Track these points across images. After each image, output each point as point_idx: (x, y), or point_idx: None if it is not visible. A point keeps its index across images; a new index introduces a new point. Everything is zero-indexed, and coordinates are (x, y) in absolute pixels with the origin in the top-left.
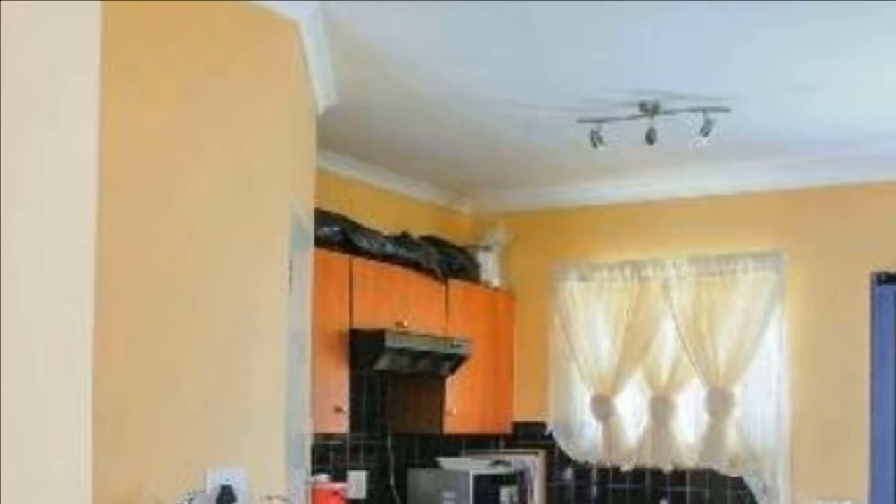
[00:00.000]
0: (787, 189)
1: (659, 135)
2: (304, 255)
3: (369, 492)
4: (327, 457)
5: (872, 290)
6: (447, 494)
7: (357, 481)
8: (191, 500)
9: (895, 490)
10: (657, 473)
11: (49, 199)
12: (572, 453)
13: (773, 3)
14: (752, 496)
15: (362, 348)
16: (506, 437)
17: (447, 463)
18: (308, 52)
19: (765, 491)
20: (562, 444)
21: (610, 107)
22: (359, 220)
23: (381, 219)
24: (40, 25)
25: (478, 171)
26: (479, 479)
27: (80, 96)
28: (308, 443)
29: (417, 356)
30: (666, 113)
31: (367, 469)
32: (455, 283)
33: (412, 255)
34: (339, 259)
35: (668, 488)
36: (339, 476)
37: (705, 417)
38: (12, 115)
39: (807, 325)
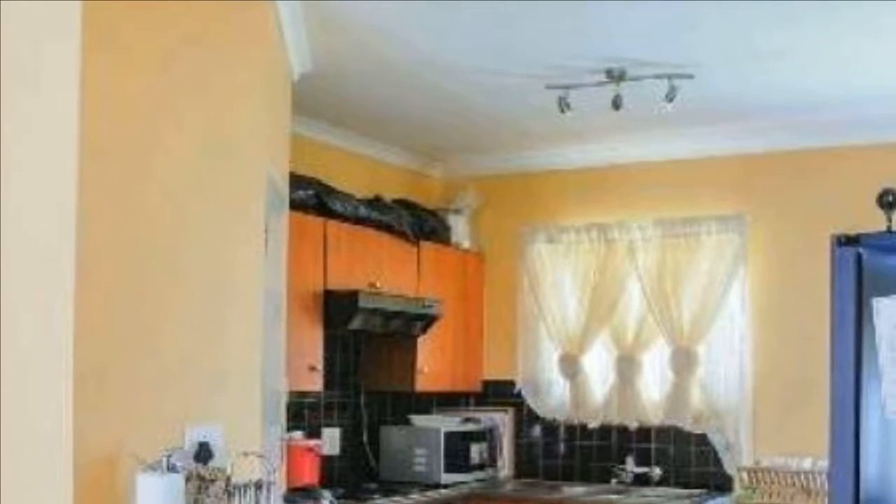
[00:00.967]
0: (750, 154)
1: (625, 101)
2: (280, 217)
3: (343, 448)
4: (302, 414)
5: (833, 252)
6: (419, 451)
7: (331, 438)
8: (169, 456)
9: (855, 446)
10: (623, 430)
11: (31, 163)
12: (540, 411)
13: None
14: (715, 452)
15: (336, 308)
16: (476, 395)
17: (419, 420)
18: (283, 20)
19: (727, 447)
20: (530, 401)
21: (577, 74)
22: (333, 183)
23: (354, 182)
24: None
25: (448, 136)
26: (450, 436)
27: (61, 64)
28: (283, 400)
29: (390, 316)
30: (631, 80)
31: (340, 426)
32: (426, 246)
33: (385, 218)
34: (314, 222)
35: (634, 445)
36: (314, 433)
37: (670, 376)
38: None
39: (769, 286)
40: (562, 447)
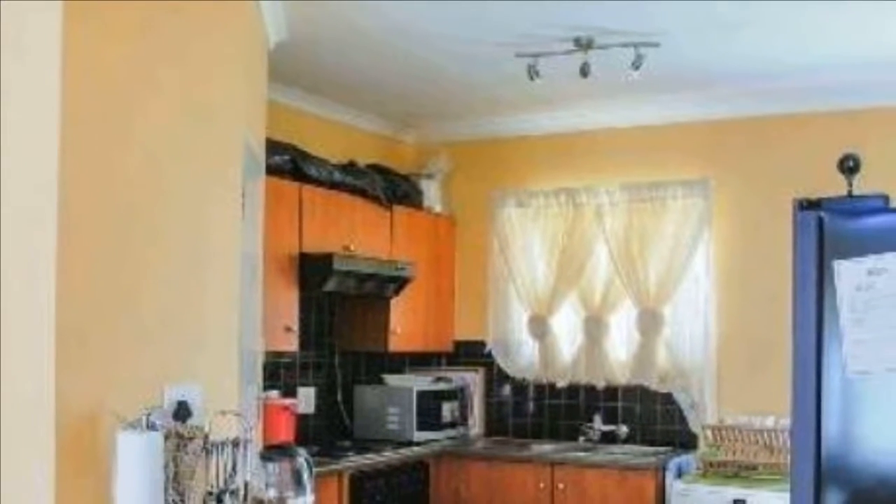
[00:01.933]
0: (715, 120)
1: (592, 68)
2: (256, 182)
3: (317, 407)
4: (278, 373)
5: (795, 215)
6: (391, 409)
7: (306, 397)
8: (149, 414)
9: (816, 404)
10: (591, 389)
11: (15, 128)
12: (510, 370)
13: None
14: (680, 411)
15: (311, 271)
16: (447, 354)
17: (391, 379)
18: None
19: (692, 406)
20: (500, 361)
21: (546, 42)
22: (308, 149)
23: (329, 148)
24: None
25: (421, 102)
26: (422, 395)
27: (43, 32)
28: (260, 360)
29: (363, 278)
30: (599, 48)
31: (315, 385)
32: (399, 209)
33: (358, 183)
34: (290, 186)
35: (601, 404)
36: (289, 392)
37: (636, 336)
38: None
39: (733, 248)
40: (531, 406)
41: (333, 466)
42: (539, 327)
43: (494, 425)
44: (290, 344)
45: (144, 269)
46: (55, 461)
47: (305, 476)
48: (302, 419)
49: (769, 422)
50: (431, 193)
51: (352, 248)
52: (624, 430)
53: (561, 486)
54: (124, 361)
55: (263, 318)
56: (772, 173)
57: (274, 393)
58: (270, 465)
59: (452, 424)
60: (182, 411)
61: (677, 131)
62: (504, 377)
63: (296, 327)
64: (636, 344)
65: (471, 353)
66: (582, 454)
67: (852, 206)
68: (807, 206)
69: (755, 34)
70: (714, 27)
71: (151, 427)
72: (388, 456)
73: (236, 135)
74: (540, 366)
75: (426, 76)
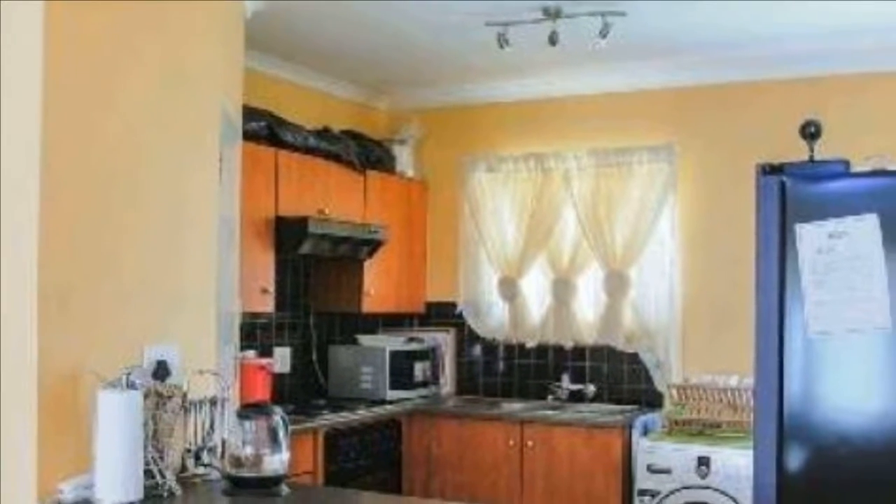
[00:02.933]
0: (680, 87)
1: (561, 37)
2: (233, 148)
3: (293, 366)
4: (254, 334)
5: (758, 180)
6: (365, 369)
7: (282, 357)
8: (129, 374)
9: (778, 364)
10: (559, 349)
11: None
12: (481, 331)
13: None
14: (646, 370)
15: (287, 234)
16: (419, 315)
17: (365, 340)
18: None
19: (658, 365)
20: (471, 322)
21: (515, 11)
22: (284, 115)
23: (304, 114)
24: None
25: (394, 70)
26: (395, 355)
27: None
28: (237, 321)
29: (338, 241)
30: (567, 17)
31: (291, 345)
32: (372, 174)
33: (333, 148)
34: (266, 151)
35: (569, 363)
36: (266, 352)
37: (603, 298)
38: None
39: (697, 212)
40: (501, 365)
41: (308, 424)
42: (509, 289)
43: (465, 384)
44: (267, 305)
45: (124, 233)
46: (37, 419)
47: (281, 434)
48: (278, 378)
49: (733, 381)
50: (404, 159)
51: (326, 211)
52: (591, 389)
53: (530, 443)
54: (105, 322)
55: (240, 279)
56: (735, 139)
57: (250, 353)
58: (247, 423)
59: (424, 383)
60: (161, 371)
61: (643, 98)
62: (475, 337)
63: (272, 289)
64: (603, 305)
65: (442, 314)
66: (550, 412)
67: (814, 171)
68: (769, 171)
69: (719, 3)
70: None
71: (131, 386)
72: (362, 414)
73: (214, 101)
74: (509, 326)
75: (399, 44)
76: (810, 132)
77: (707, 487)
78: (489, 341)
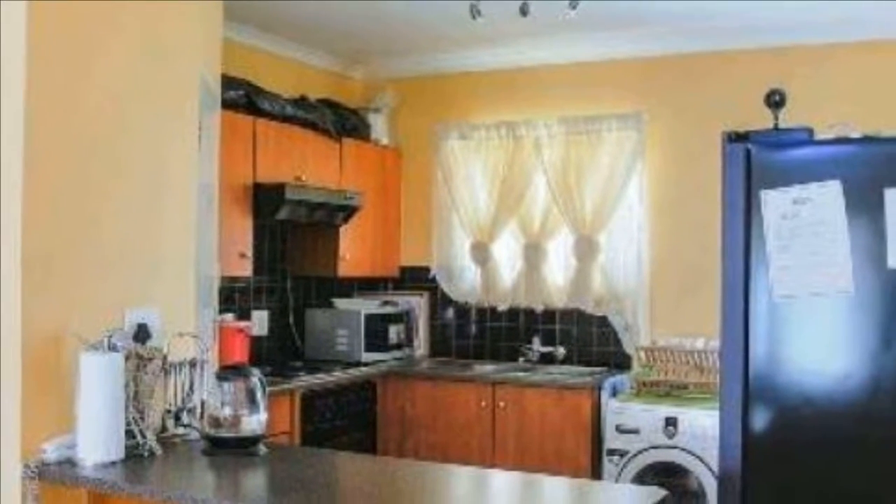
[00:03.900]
0: (648, 57)
1: (532, 8)
2: (212, 116)
3: (270, 329)
4: (233, 298)
5: (724, 147)
6: (341, 332)
7: (260, 320)
8: (110, 336)
9: (744, 327)
10: (530, 313)
11: None
12: (453, 295)
13: None
14: (615, 333)
15: (264, 200)
16: (393, 279)
17: (341, 303)
18: None
19: (626, 328)
20: (444, 286)
21: None
22: (261, 84)
23: (281, 83)
24: None
25: (369, 40)
26: (370, 318)
27: None
28: (216, 285)
29: (314, 207)
30: None
31: (268, 309)
32: (348, 142)
33: (309, 117)
34: (244, 120)
35: (540, 326)
36: (244, 315)
37: (573, 262)
38: None
39: (665, 179)
40: (473, 328)
41: (285, 386)
42: (481, 253)
43: (438, 347)
44: (245, 269)
45: (106, 200)
46: (21, 381)
47: (259, 395)
48: (256, 341)
49: (699, 343)
50: (378, 127)
51: (303, 178)
52: (561, 351)
53: (502, 404)
54: (87, 286)
55: (219, 244)
56: (702, 107)
57: (229, 316)
58: (226, 385)
59: (398, 346)
60: (142, 333)
61: (612, 68)
62: (447, 301)
63: (250, 253)
64: (573, 269)
65: (416, 278)
66: (521, 374)
67: (778, 139)
68: (735, 138)
69: None
70: None
71: (112, 348)
72: (338, 376)
73: (193, 71)
74: (482, 290)
75: (374, 15)
76: (775, 101)
77: (674, 447)
78: (462, 305)
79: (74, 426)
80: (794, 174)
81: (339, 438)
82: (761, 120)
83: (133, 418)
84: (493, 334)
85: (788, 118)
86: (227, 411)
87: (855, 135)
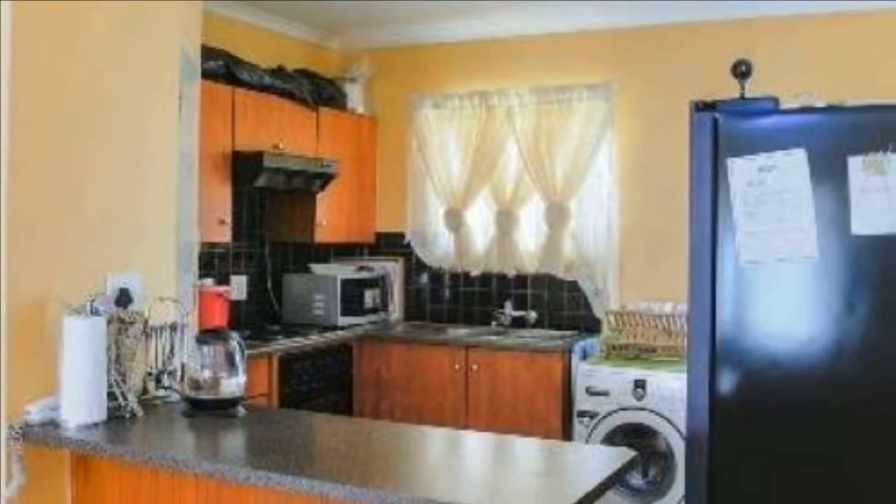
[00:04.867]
0: (617, 28)
1: None
2: (192, 86)
3: (249, 294)
4: (212, 263)
5: (691, 116)
6: (317, 296)
7: (238, 284)
8: (92, 300)
9: (711, 291)
10: (502, 278)
11: None
12: (428, 260)
13: None
14: (585, 298)
15: (243, 168)
16: (369, 245)
17: (318, 268)
18: None
19: (596, 293)
20: (418, 251)
21: None
22: (240, 55)
23: (259, 54)
24: None
25: (345, 11)
26: (346, 283)
27: None
28: (195, 251)
29: (291, 174)
30: None
31: (247, 274)
32: (325, 111)
33: (287, 86)
34: (223, 90)
35: (512, 291)
36: (223, 280)
37: (544, 228)
38: None
39: (634, 147)
40: (447, 293)
41: (264, 349)
42: (454, 220)
43: (413, 311)
44: (224, 235)
45: (89, 168)
46: (6, 344)
47: (238, 358)
48: (234, 305)
49: (667, 307)
50: (355, 96)
51: (281, 146)
52: (533, 315)
53: (475, 367)
54: (70, 252)
55: (199, 211)
56: (670, 77)
57: (209, 281)
58: (205, 348)
59: (374, 310)
60: (123, 298)
61: (582, 39)
62: (422, 266)
63: (229, 220)
64: (544, 235)
65: (391, 244)
66: (494, 338)
67: (744, 108)
68: (702, 107)
69: None
70: None
71: (95, 312)
72: (315, 339)
73: (173, 42)
74: (455, 256)
75: None
76: (741, 71)
77: (643, 409)
78: (436, 270)
79: (58, 388)
80: (759, 142)
81: (315, 400)
82: (728, 90)
83: (115, 381)
84: (467, 299)
85: (754, 88)
86: (207, 374)
87: (819, 104)
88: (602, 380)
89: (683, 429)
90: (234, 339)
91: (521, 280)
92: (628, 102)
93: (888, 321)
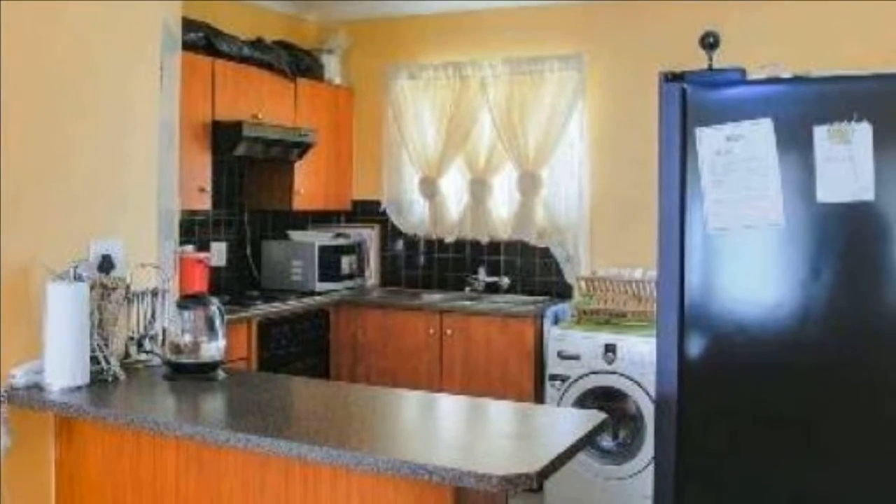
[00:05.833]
0: (589, 0)
1: None
2: (173, 57)
3: (229, 260)
4: (193, 230)
5: (661, 87)
6: (295, 262)
7: (218, 251)
8: (76, 267)
9: (680, 258)
10: (475, 244)
11: None
12: (403, 227)
13: None
14: (556, 264)
15: (223, 137)
16: (346, 213)
17: (295, 235)
18: None
19: (568, 259)
20: (394, 219)
21: None
22: (220, 27)
23: (238, 26)
24: None
25: None
26: (323, 249)
27: None
28: (176, 218)
29: (270, 143)
30: None
31: (227, 241)
32: (302, 82)
33: (266, 58)
34: (203, 61)
35: (485, 257)
36: (203, 247)
37: (517, 196)
38: None
39: (604, 117)
40: (422, 259)
41: (243, 314)
42: (429, 188)
43: (388, 277)
44: (204, 203)
45: (72, 137)
46: None
47: (218, 322)
48: (214, 271)
49: (637, 273)
50: (332, 67)
51: (260, 116)
52: (506, 281)
53: (449, 331)
54: (54, 220)
55: (180, 179)
56: (640, 49)
57: (189, 247)
58: (186, 313)
59: (350, 276)
60: (106, 264)
61: (555, 10)
62: (397, 233)
63: (209, 188)
64: (517, 203)
65: (367, 212)
66: (468, 303)
67: (712, 79)
68: (671, 78)
69: None
70: None
71: (78, 278)
72: (293, 304)
73: (155, 14)
74: (430, 223)
75: None
76: (709, 42)
77: (613, 372)
78: (411, 237)
79: (42, 352)
80: (727, 112)
81: (293, 364)
82: (696, 61)
83: (98, 345)
84: (441, 265)
85: (722, 59)
86: (188, 338)
87: (785, 75)
88: (573, 344)
89: (653, 392)
90: (214, 305)
91: (495, 247)
92: (599, 73)
93: (852, 287)
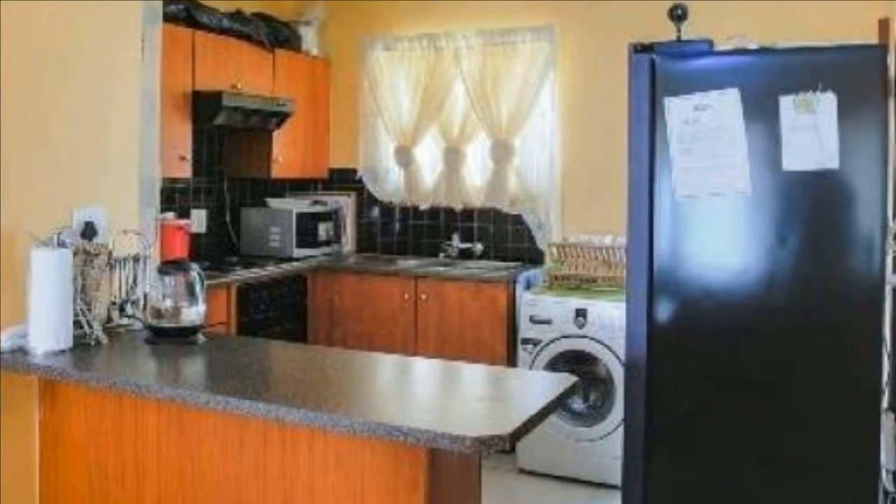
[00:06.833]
0: None
1: None
2: (154, 29)
3: (208, 227)
4: (173, 198)
5: (630, 58)
6: (274, 229)
7: (198, 218)
8: (59, 234)
9: (649, 225)
10: (450, 211)
11: None
12: (379, 195)
13: None
14: (528, 230)
15: (203, 107)
16: (323, 181)
17: (274, 203)
18: None
19: (539, 226)
20: (370, 186)
21: None
22: None
23: None
24: None
25: None
26: (301, 216)
27: None
28: (157, 186)
29: (249, 113)
30: None
31: (206, 208)
32: (281, 53)
33: (245, 29)
34: (184, 32)
35: (459, 224)
36: (184, 214)
37: (490, 164)
38: None
39: (575, 87)
40: (397, 226)
41: (223, 280)
42: (404, 156)
43: (364, 243)
44: (185, 171)
45: (55, 107)
46: None
47: (198, 288)
48: (195, 238)
49: (607, 240)
50: (309, 39)
51: (239, 86)
52: (479, 247)
53: (423, 296)
54: (38, 187)
55: (161, 148)
56: (610, 21)
57: (170, 215)
58: (167, 279)
59: (327, 242)
60: (89, 231)
61: None
62: (373, 201)
63: (189, 156)
64: (490, 171)
65: (344, 180)
66: (442, 269)
67: (680, 50)
68: (640, 49)
69: None
70: None
71: (62, 245)
72: (271, 270)
73: None
74: (405, 190)
75: None
76: (678, 14)
77: (584, 336)
78: (386, 204)
79: (26, 317)
80: (695, 83)
81: (272, 328)
82: (665, 33)
83: (81, 310)
84: (416, 231)
85: (690, 31)
86: (169, 303)
87: (752, 46)
88: (545, 309)
89: (622, 355)
90: (194, 270)
91: (468, 214)
92: (570, 44)
93: (817, 253)
